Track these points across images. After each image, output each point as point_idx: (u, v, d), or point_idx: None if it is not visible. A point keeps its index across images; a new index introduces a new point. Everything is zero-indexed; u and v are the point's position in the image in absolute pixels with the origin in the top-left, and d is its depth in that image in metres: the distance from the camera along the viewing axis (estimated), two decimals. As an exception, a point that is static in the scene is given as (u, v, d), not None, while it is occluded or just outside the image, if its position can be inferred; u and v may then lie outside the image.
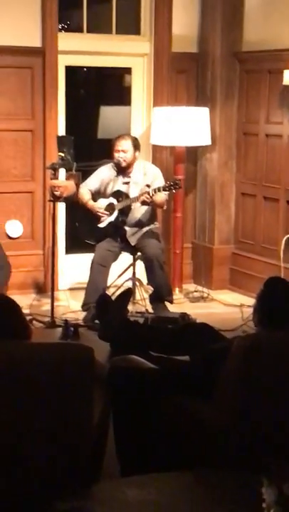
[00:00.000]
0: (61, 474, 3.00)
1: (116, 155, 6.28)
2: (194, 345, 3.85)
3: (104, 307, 4.54)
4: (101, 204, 6.36)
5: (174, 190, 6.16)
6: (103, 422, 3.29)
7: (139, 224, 6.36)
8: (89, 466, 3.11)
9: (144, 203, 6.13)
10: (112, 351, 4.07)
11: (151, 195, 6.07)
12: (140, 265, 6.50)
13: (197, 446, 3.24)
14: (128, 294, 4.85)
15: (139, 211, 6.33)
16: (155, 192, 6.07)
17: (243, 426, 3.10)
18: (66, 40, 6.85)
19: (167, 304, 6.33)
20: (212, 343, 3.85)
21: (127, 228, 6.33)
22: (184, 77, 7.22)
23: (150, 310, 6.25)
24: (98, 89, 8.29)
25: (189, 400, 3.31)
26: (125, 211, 6.29)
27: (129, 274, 6.61)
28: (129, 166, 6.32)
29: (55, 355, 2.92)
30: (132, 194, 6.27)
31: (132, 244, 6.36)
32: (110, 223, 6.32)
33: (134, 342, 4.07)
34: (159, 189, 6.08)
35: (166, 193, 6.21)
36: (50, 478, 2.97)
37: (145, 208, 6.29)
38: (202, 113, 6.89)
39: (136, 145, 6.33)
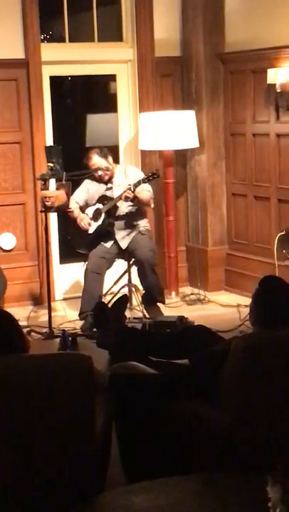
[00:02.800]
0: (67, 484, 3.01)
1: (95, 174, 6.31)
2: (193, 348, 3.85)
3: (102, 315, 4.54)
4: (88, 212, 6.40)
5: (152, 180, 6.15)
6: (106, 430, 3.29)
7: (128, 225, 6.37)
8: (94, 475, 3.12)
9: (126, 198, 6.13)
10: (111, 359, 4.07)
11: (132, 190, 6.08)
12: (135, 271, 6.51)
13: (202, 449, 3.25)
14: (124, 301, 4.86)
15: (126, 212, 6.34)
16: (136, 186, 6.09)
17: (244, 426, 3.12)
18: (49, 51, 6.86)
19: (160, 305, 6.35)
20: (210, 346, 3.86)
21: (116, 231, 6.34)
22: (168, 81, 7.24)
23: (146, 315, 6.27)
24: (84, 97, 8.29)
25: (192, 403, 3.31)
26: (112, 212, 6.32)
27: (124, 280, 6.62)
28: (112, 175, 6.36)
29: (53, 366, 2.93)
30: (116, 195, 6.30)
31: (123, 247, 6.37)
32: (99, 227, 6.34)
33: (133, 348, 4.07)
34: (139, 182, 6.11)
35: (150, 189, 6.24)
36: (56, 488, 2.98)
37: (132, 208, 6.30)
38: (189, 116, 6.91)
39: (105, 154, 6.36)
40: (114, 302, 4.72)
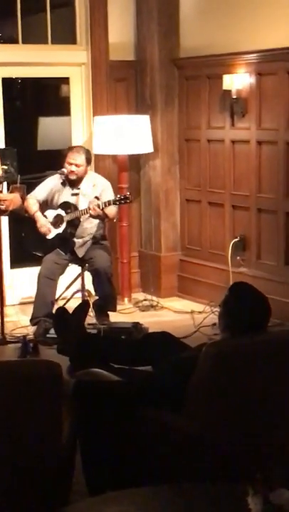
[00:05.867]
0: (32, 495, 2.92)
1: (68, 167, 6.19)
2: (156, 355, 3.79)
3: (62, 321, 4.45)
4: (49, 215, 6.27)
5: (123, 204, 6.12)
6: (71, 440, 3.20)
7: (86, 234, 6.28)
8: (60, 486, 3.04)
9: (93, 216, 6.07)
10: (72, 365, 3.98)
11: (101, 208, 6.01)
12: (88, 276, 6.43)
13: (170, 459, 3.18)
14: (85, 307, 4.78)
15: (88, 224, 6.25)
16: (106, 205, 6.02)
17: (213, 434, 3.06)
18: (2, 52, 6.75)
19: (110, 313, 6.29)
20: (174, 352, 3.80)
21: (75, 240, 6.25)
22: (123, 85, 7.18)
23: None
24: (35, 100, 8.18)
25: (158, 411, 3.25)
26: (74, 223, 6.21)
27: (76, 286, 6.53)
28: (80, 178, 6.25)
29: (21, 373, 2.83)
30: (81, 206, 6.19)
31: (80, 256, 6.28)
32: (58, 235, 6.23)
33: (95, 355, 3.99)
34: (109, 202, 6.03)
35: (117, 206, 6.18)
36: (20, 500, 2.89)
37: (94, 220, 6.22)
38: (143, 120, 6.86)
39: (88, 158, 6.27)
40: (75, 308, 4.64)
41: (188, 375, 3.17)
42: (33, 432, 2.86)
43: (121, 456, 3.30)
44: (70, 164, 6.18)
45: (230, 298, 3.31)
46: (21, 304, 6.84)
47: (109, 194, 6.24)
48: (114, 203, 6.07)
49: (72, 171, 6.17)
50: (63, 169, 6.21)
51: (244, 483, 2.30)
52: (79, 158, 6.19)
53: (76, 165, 6.18)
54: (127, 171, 6.97)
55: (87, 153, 6.28)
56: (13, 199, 5.73)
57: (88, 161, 6.27)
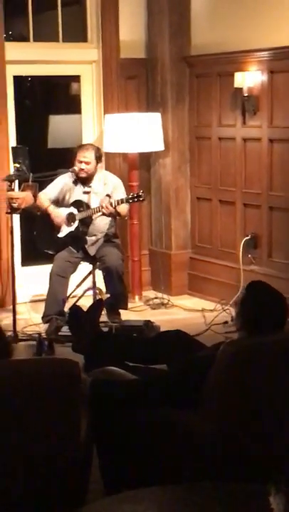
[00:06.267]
0: (50, 495, 2.92)
1: (78, 165, 6.18)
2: (172, 353, 3.79)
3: (77, 319, 4.45)
4: (61, 213, 6.27)
5: (136, 202, 6.11)
6: (89, 438, 3.20)
7: (98, 232, 6.28)
8: (78, 485, 3.04)
9: (105, 214, 6.07)
10: (87, 364, 3.98)
11: (113, 206, 6.01)
12: (99, 274, 6.43)
13: (185, 457, 3.18)
14: (100, 305, 4.78)
15: (100, 222, 6.25)
16: (118, 204, 6.02)
17: (232, 434, 3.06)
18: (13, 50, 6.74)
19: (121, 311, 6.28)
20: (190, 350, 3.80)
21: (87, 238, 6.25)
22: (133, 83, 7.17)
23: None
24: (46, 98, 8.18)
25: (175, 410, 3.25)
26: (86, 221, 6.21)
27: (87, 283, 6.53)
28: (90, 176, 6.24)
29: (41, 371, 2.83)
30: (93, 204, 6.19)
31: (91, 254, 6.28)
32: (70, 233, 6.23)
33: (109, 353, 4.00)
34: (122, 200, 6.03)
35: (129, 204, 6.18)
36: (38, 499, 2.89)
37: (106, 218, 6.21)
38: (154, 118, 6.86)
39: (98, 156, 6.25)
40: (90, 306, 4.64)
41: (204, 374, 3.16)
42: (52, 431, 2.85)
43: (137, 455, 3.30)
44: (80, 162, 6.18)
45: (247, 297, 3.30)
46: (32, 301, 6.83)
47: (120, 192, 6.24)
48: (128, 201, 6.07)
49: (82, 169, 6.17)
50: (74, 167, 6.21)
51: (266, 483, 2.29)
52: (89, 156, 6.18)
53: (86, 162, 6.17)
54: (137, 169, 6.97)
55: (97, 150, 6.27)
56: (25, 197, 5.72)
57: (98, 159, 6.25)
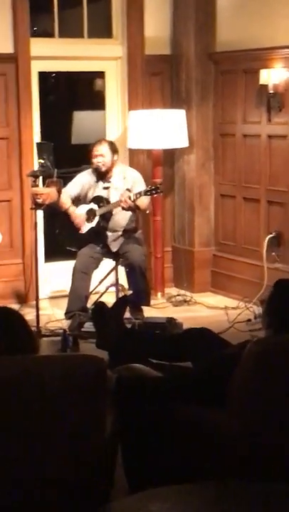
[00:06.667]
0: (76, 490, 2.92)
1: (94, 160, 6.20)
2: (196, 351, 3.78)
3: (101, 316, 4.45)
4: (82, 210, 6.27)
5: (155, 195, 6.10)
6: (114, 435, 3.20)
7: (120, 228, 6.28)
8: (102, 481, 3.04)
9: (125, 208, 6.06)
10: (111, 360, 3.98)
11: (132, 200, 6.00)
12: (121, 270, 6.42)
13: (210, 456, 3.17)
14: (125, 302, 4.78)
15: (120, 216, 6.25)
16: (137, 197, 6.01)
17: (258, 433, 3.04)
18: (38, 46, 6.75)
19: (143, 308, 6.27)
20: (215, 348, 3.78)
21: (108, 234, 6.25)
22: (158, 80, 7.16)
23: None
24: (70, 94, 8.19)
25: (200, 408, 3.24)
26: (106, 217, 6.21)
27: (109, 280, 6.52)
28: (109, 170, 6.23)
29: (68, 368, 2.83)
30: (113, 199, 6.19)
31: (113, 250, 6.28)
32: (92, 229, 6.24)
33: (134, 350, 3.99)
34: (140, 193, 6.02)
35: (148, 197, 6.16)
36: (65, 494, 2.89)
37: (126, 213, 6.21)
38: (178, 115, 6.84)
39: (113, 149, 6.25)
40: (114, 303, 4.64)
41: (230, 372, 3.15)
42: (77, 428, 2.85)
43: (162, 452, 3.29)
44: (96, 156, 6.19)
45: (274, 295, 3.28)
46: (55, 297, 6.85)
47: (140, 186, 6.22)
48: (146, 194, 6.04)
49: (98, 163, 6.18)
50: (92, 164, 6.23)
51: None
52: (103, 149, 6.19)
53: (101, 155, 6.18)
54: (161, 165, 6.96)
55: (111, 143, 6.27)
56: (50, 193, 5.73)
57: (114, 152, 6.24)
